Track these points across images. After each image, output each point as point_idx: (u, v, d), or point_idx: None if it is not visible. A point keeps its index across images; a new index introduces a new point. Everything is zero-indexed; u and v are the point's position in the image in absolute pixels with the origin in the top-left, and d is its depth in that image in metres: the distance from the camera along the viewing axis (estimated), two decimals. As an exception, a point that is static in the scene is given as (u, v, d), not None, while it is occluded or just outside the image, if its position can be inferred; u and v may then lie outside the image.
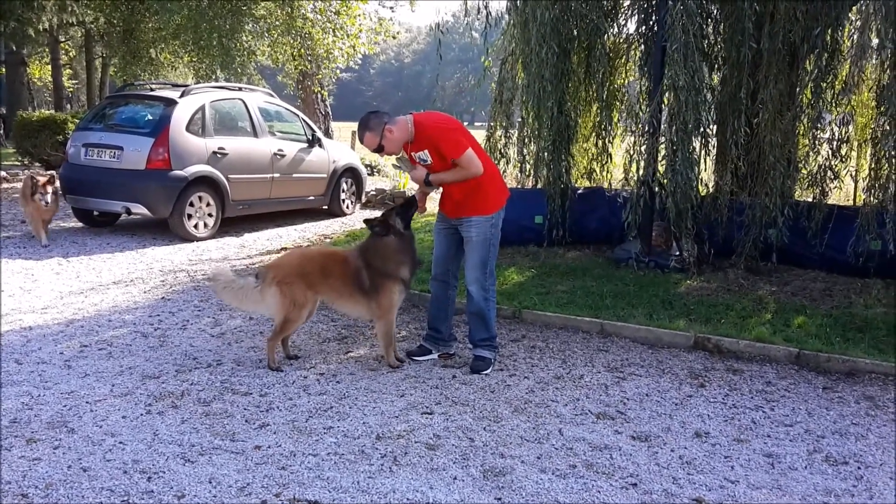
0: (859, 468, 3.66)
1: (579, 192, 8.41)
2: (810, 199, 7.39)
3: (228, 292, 4.82)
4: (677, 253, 7.48)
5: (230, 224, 9.81)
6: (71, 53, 28.13)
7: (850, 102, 7.02)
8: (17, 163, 16.25)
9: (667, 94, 6.98)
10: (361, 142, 4.74)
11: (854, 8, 6.78)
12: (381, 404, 4.27)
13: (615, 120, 8.75)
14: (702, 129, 7.01)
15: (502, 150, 8.67)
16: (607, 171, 8.91)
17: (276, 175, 10.01)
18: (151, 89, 10.44)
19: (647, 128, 7.36)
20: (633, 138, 7.93)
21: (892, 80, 6.16)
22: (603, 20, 7.81)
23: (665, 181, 7.16)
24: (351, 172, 11.57)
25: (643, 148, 7.42)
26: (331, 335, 5.61)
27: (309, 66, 17.36)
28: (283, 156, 10.06)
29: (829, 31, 6.64)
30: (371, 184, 13.47)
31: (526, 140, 8.39)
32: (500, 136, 8.66)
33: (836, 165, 7.30)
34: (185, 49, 16.83)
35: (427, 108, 5.13)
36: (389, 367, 4.86)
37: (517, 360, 5.11)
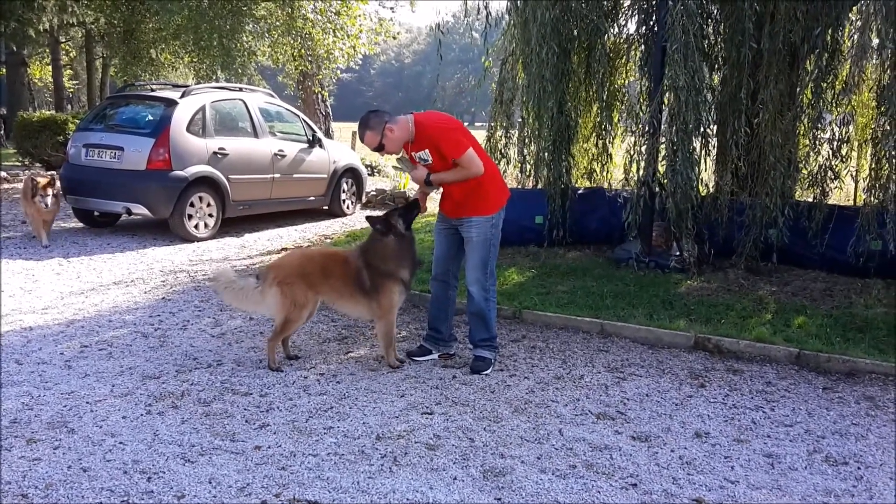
0: (859, 468, 3.66)
1: (579, 192, 8.41)
2: (811, 200, 7.38)
3: (229, 292, 4.83)
4: (677, 253, 7.48)
5: (231, 224, 9.81)
6: (71, 54, 28.17)
7: (851, 102, 7.02)
8: (17, 163, 16.26)
9: (667, 95, 6.98)
10: (362, 140, 4.73)
11: (854, 8, 6.78)
12: (381, 404, 4.27)
13: (615, 120, 8.75)
14: (702, 130, 7.01)
15: (503, 151, 8.68)
16: (607, 172, 8.91)
17: (277, 175, 10.01)
18: (152, 90, 10.44)
19: (647, 128, 7.35)
20: (633, 138, 7.93)
21: (892, 80, 6.16)
22: (603, 20, 7.81)
23: (665, 181, 7.16)
24: (351, 173, 11.57)
25: (643, 148, 7.42)
26: (331, 335, 5.61)
27: (309, 67, 17.37)
28: (283, 156, 10.07)
29: (830, 31, 6.63)
30: (371, 184, 13.47)
31: (526, 140, 8.39)
32: (501, 137, 8.66)
33: (836, 165, 7.30)
34: (186, 49, 16.84)
35: (427, 109, 5.13)
36: (390, 368, 4.86)
37: (517, 360, 5.11)
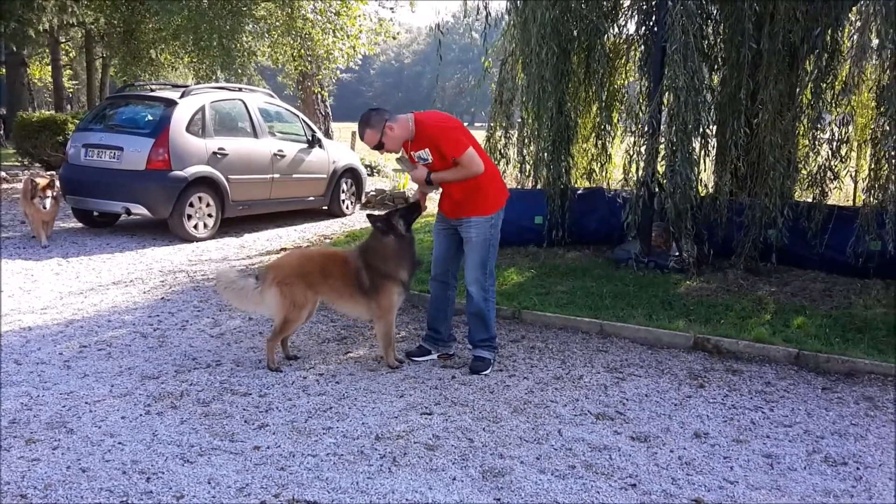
0: (858, 469, 3.66)
1: (579, 192, 8.41)
2: (810, 200, 7.38)
3: (230, 292, 4.84)
4: (677, 253, 7.48)
5: (230, 224, 9.81)
6: (71, 54, 28.18)
7: (850, 103, 7.02)
8: (17, 163, 16.26)
9: (666, 95, 6.98)
10: (362, 139, 4.72)
11: (854, 8, 6.78)
12: (380, 405, 4.27)
13: (615, 120, 8.75)
14: (701, 130, 7.01)
15: (502, 151, 8.68)
16: (607, 172, 8.92)
17: (276, 175, 10.01)
18: (151, 90, 10.45)
19: (646, 128, 7.35)
20: (632, 139, 7.93)
21: (891, 81, 6.16)
22: (603, 21, 7.80)
23: (664, 182, 7.16)
24: (351, 173, 11.58)
25: (643, 148, 7.42)
26: (330, 336, 5.61)
27: (309, 67, 17.37)
28: (282, 156, 10.07)
29: (829, 31, 6.64)
30: (371, 184, 13.47)
31: (526, 140, 8.39)
32: (500, 137, 8.66)
33: (835, 166, 7.30)
34: (186, 50, 16.84)
35: (427, 109, 5.12)
36: (389, 368, 4.86)
37: (516, 360, 5.10)
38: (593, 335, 5.70)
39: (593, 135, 8.76)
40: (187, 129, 8.93)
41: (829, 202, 7.38)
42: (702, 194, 7.46)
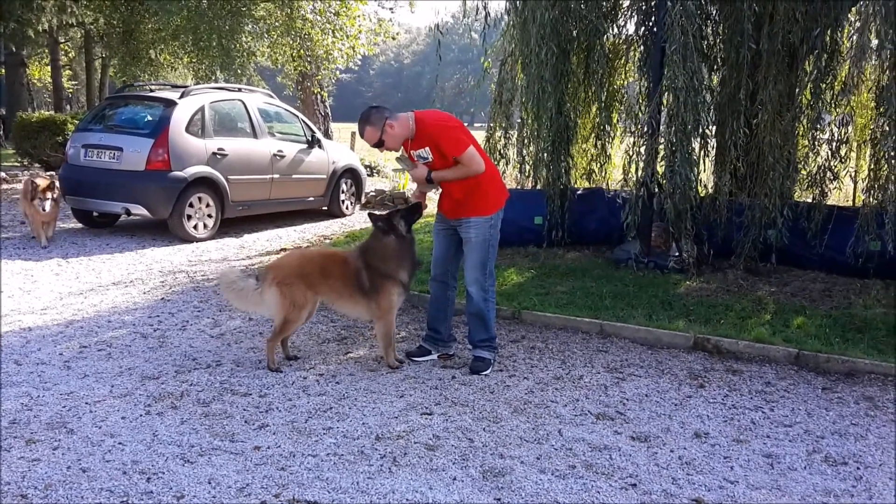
0: (859, 468, 3.66)
1: (579, 192, 8.41)
2: (810, 200, 7.39)
3: (231, 293, 4.85)
4: (677, 254, 7.49)
5: (230, 225, 9.81)
6: (70, 54, 28.18)
7: (850, 103, 7.02)
8: (16, 164, 16.26)
9: (666, 95, 6.98)
10: (362, 136, 4.71)
11: (853, 9, 6.78)
12: (380, 405, 4.27)
13: (614, 121, 8.75)
14: (701, 130, 7.01)
15: (502, 151, 8.67)
16: (606, 172, 8.92)
17: (276, 176, 10.01)
18: (151, 90, 10.45)
19: (646, 128, 7.36)
20: (632, 139, 7.93)
21: (891, 81, 6.16)
22: (602, 21, 7.81)
23: (664, 182, 7.16)
24: (350, 173, 11.58)
25: (642, 149, 7.42)
26: (330, 336, 5.61)
27: (308, 67, 17.38)
28: (282, 157, 10.07)
29: (829, 31, 6.64)
30: (371, 185, 13.48)
31: (525, 141, 8.39)
32: (500, 137, 8.66)
33: (835, 166, 7.30)
34: (185, 50, 16.84)
35: (427, 109, 5.12)
36: (389, 368, 4.86)
37: (517, 360, 5.11)
38: (593, 335, 5.71)
39: (593, 135, 8.76)
40: (187, 130, 8.93)
41: (829, 202, 7.39)
42: (701, 194, 7.46)
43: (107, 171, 8.92)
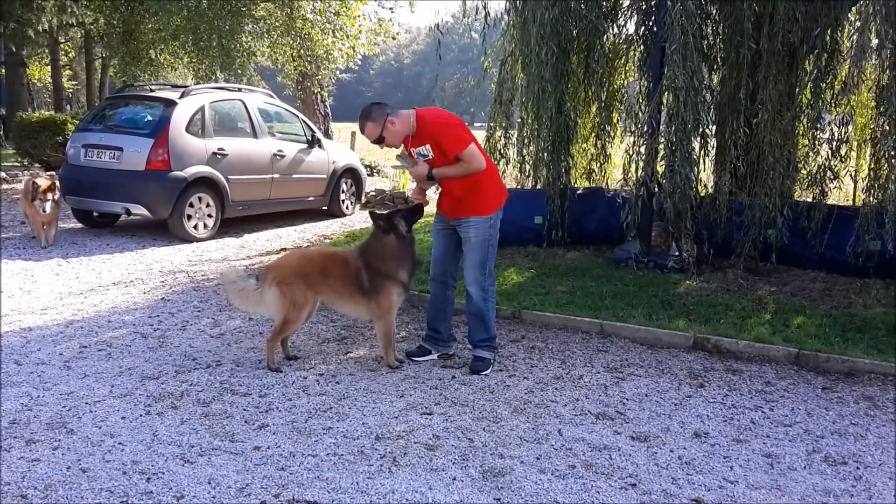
0: (858, 468, 3.66)
1: (579, 192, 8.41)
2: (810, 200, 7.39)
3: (233, 292, 4.86)
4: (676, 253, 7.48)
5: (230, 225, 9.81)
6: (71, 54, 28.18)
7: (850, 103, 7.02)
8: (16, 164, 16.26)
9: (666, 95, 6.97)
10: (362, 132, 4.69)
11: (853, 8, 6.78)
12: (380, 405, 4.27)
13: (614, 120, 8.75)
14: (701, 130, 7.01)
15: (502, 151, 8.67)
16: (606, 172, 8.92)
17: (276, 176, 10.01)
18: (151, 90, 10.45)
19: (646, 128, 7.35)
20: (632, 139, 7.93)
21: (891, 81, 6.16)
22: (602, 21, 7.81)
23: (664, 181, 7.16)
24: (350, 173, 11.58)
25: (642, 148, 7.42)
26: (330, 336, 5.61)
27: (308, 67, 17.37)
28: (282, 156, 10.07)
29: (829, 31, 6.64)
30: (370, 184, 13.48)
31: (525, 141, 8.39)
32: (500, 137, 8.66)
33: (835, 165, 7.30)
34: (185, 50, 16.84)
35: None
36: (389, 368, 4.86)
37: (516, 360, 5.11)
38: (593, 335, 5.71)
39: (593, 135, 8.76)
40: (187, 130, 8.93)
41: (829, 202, 7.39)
42: (701, 194, 7.46)
43: (107, 170, 8.92)
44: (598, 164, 8.83)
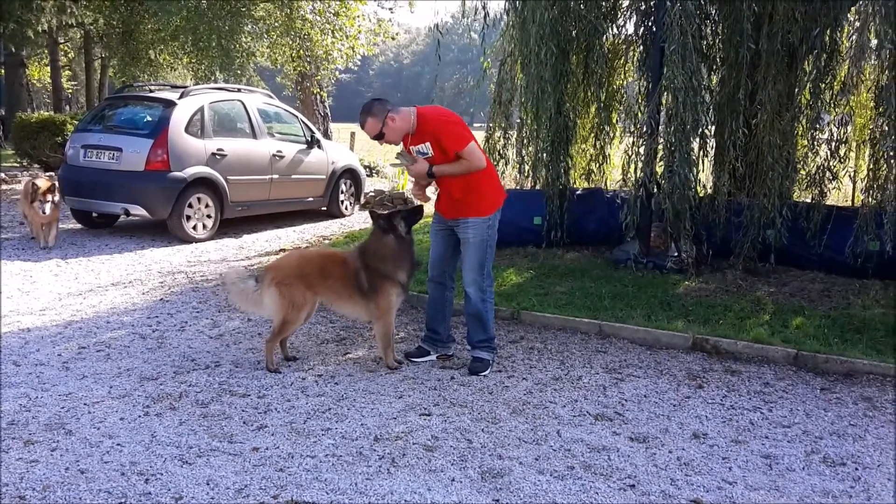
0: (857, 469, 3.66)
1: (578, 193, 8.41)
2: (809, 200, 7.39)
3: (234, 293, 4.87)
4: (675, 254, 7.48)
5: (229, 225, 9.81)
6: (70, 55, 28.15)
7: (849, 103, 7.02)
8: (16, 164, 16.25)
9: (665, 95, 6.97)
10: (362, 127, 4.68)
11: (853, 8, 6.78)
12: (379, 406, 4.27)
13: (614, 121, 8.75)
14: (700, 130, 7.01)
15: (501, 152, 8.67)
16: (605, 173, 8.92)
17: (275, 176, 10.01)
18: (150, 91, 10.45)
19: (645, 128, 7.35)
20: (631, 139, 7.93)
21: (890, 81, 6.16)
22: (601, 21, 7.81)
23: (663, 182, 7.16)
24: (350, 174, 11.58)
25: (641, 149, 7.41)
26: (329, 337, 5.61)
27: (308, 68, 17.37)
28: (281, 157, 10.07)
29: (828, 31, 6.64)
30: (370, 185, 13.47)
31: (525, 141, 8.39)
32: (499, 138, 8.65)
33: (834, 166, 7.31)
34: (184, 50, 16.84)
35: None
36: (388, 369, 4.86)
37: (515, 361, 5.11)
38: (592, 336, 5.70)
39: (592, 135, 8.76)
40: (186, 130, 8.93)
41: (828, 202, 7.39)
42: (700, 195, 7.46)
43: (106, 171, 8.92)
44: (598, 164, 8.83)
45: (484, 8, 8.30)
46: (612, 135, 8.75)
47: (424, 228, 7.88)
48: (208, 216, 9.25)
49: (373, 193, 12.70)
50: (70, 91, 30.79)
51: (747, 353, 5.25)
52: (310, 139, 10.70)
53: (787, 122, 6.88)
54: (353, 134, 18.59)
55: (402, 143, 4.75)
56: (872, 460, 3.76)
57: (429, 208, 5.16)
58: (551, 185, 7.95)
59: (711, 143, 7.57)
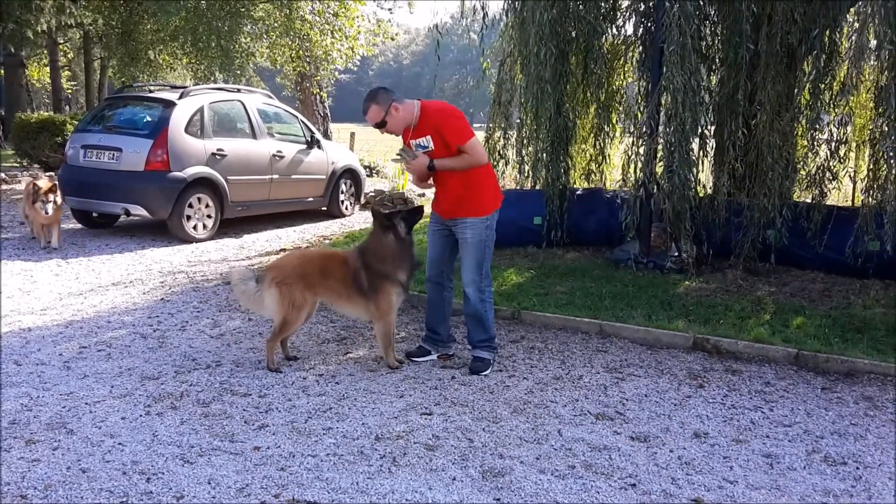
0: (858, 468, 3.67)
1: (578, 193, 8.41)
2: (809, 200, 7.40)
3: (238, 292, 4.88)
4: (676, 254, 7.49)
5: (229, 225, 9.81)
6: (69, 55, 28.13)
7: (849, 103, 7.02)
8: (15, 164, 16.24)
9: (664, 96, 6.98)
10: (365, 114, 4.66)
11: (852, 9, 6.80)
12: (380, 405, 4.27)
13: (613, 121, 8.76)
14: (700, 130, 7.02)
15: (501, 152, 8.68)
16: (605, 173, 8.92)
17: (275, 176, 10.01)
18: (150, 91, 10.45)
19: (644, 129, 7.36)
20: (631, 139, 7.94)
21: (890, 82, 6.17)
22: (601, 21, 7.82)
23: (663, 182, 7.16)
24: (350, 174, 11.58)
25: (641, 149, 7.42)
26: (330, 336, 5.61)
27: (307, 68, 17.37)
28: (281, 157, 10.07)
29: (828, 32, 6.65)
30: (370, 185, 13.48)
31: (524, 141, 8.40)
32: (499, 138, 8.66)
33: (834, 166, 7.32)
34: (184, 51, 16.84)
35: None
36: (388, 368, 4.86)
37: (516, 360, 5.11)
38: (593, 335, 5.71)
39: (592, 135, 8.77)
40: (186, 130, 8.93)
41: (828, 202, 7.40)
42: (700, 195, 7.47)
43: (106, 171, 8.92)
44: (597, 164, 8.84)
45: (483, 8, 8.32)
46: (611, 135, 8.77)
47: (424, 229, 7.88)
48: (208, 216, 9.25)
49: (373, 193, 12.71)
50: (70, 91, 30.77)
51: (748, 353, 5.25)
52: (310, 139, 10.71)
53: (786, 123, 6.90)
54: (352, 134, 18.59)
55: (401, 136, 4.75)
56: (873, 459, 3.76)
57: (429, 208, 5.16)
58: (551, 185, 7.96)
59: (711, 143, 7.58)
